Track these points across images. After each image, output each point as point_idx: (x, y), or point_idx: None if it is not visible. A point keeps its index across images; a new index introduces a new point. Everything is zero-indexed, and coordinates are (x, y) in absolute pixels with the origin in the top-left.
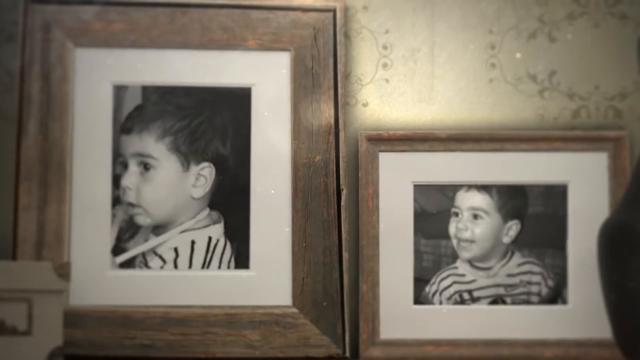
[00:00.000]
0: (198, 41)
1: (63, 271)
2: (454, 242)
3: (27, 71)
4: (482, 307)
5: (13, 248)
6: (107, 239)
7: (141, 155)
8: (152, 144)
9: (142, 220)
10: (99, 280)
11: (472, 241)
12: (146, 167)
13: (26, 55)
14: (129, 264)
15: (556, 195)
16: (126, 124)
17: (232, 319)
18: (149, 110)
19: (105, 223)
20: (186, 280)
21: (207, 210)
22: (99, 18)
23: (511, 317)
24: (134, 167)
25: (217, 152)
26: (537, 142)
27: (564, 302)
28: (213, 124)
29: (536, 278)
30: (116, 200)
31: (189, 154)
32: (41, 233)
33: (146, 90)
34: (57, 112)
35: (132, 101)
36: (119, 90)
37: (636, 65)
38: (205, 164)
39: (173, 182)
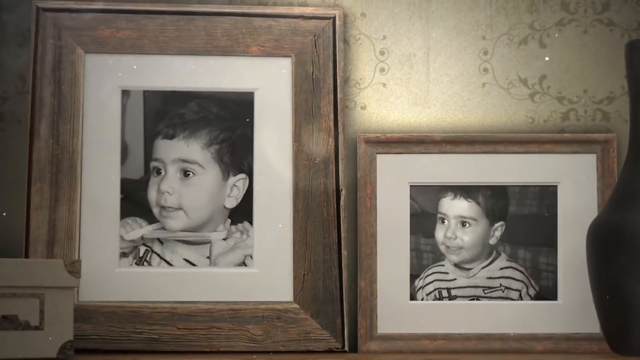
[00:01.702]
0: (203, 47)
1: (73, 268)
2: (442, 247)
3: (39, 76)
4: (476, 303)
5: (25, 246)
6: (116, 237)
7: (186, 161)
8: (199, 151)
9: (177, 224)
10: (108, 277)
11: (461, 247)
12: (186, 173)
13: (38, 60)
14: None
15: (549, 195)
16: (167, 130)
17: (236, 315)
18: (191, 117)
19: (114, 222)
20: (192, 277)
21: (229, 220)
22: (108, 25)
23: (504, 313)
24: (173, 173)
25: (252, 166)
26: (528, 145)
27: (554, 298)
28: (248, 136)
29: (517, 285)
30: (123, 201)
31: (229, 165)
32: (52, 232)
33: (152, 95)
34: (67, 115)
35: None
36: (144, 95)
37: (623, 70)
38: (242, 175)
39: (214, 191)
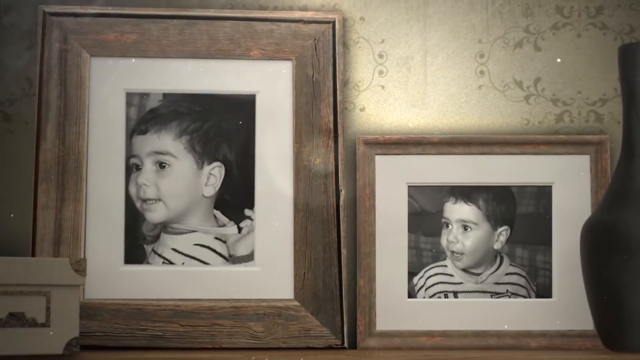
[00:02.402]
0: (205, 51)
1: (79, 267)
2: (448, 253)
3: (46, 79)
4: (472, 300)
5: (32, 245)
6: (121, 236)
7: (159, 153)
8: (170, 142)
9: (157, 216)
10: (113, 275)
11: (462, 253)
12: (161, 165)
13: (45, 63)
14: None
15: (546, 195)
16: (139, 126)
17: (238, 312)
18: (162, 112)
19: (119, 221)
20: (195, 275)
21: (214, 211)
22: (113, 29)
23: (499, 310)
24: (149, 166)
25: (227, 155)
26: (523, 146)
27: (549, 296)
28: (222, 128)
29: (522, 291)
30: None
31: (202, 154)
32: (59, 231)
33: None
34: (73, 117)
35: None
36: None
37: (616, 73)
38: (217, 163)
39: (188, 179)
